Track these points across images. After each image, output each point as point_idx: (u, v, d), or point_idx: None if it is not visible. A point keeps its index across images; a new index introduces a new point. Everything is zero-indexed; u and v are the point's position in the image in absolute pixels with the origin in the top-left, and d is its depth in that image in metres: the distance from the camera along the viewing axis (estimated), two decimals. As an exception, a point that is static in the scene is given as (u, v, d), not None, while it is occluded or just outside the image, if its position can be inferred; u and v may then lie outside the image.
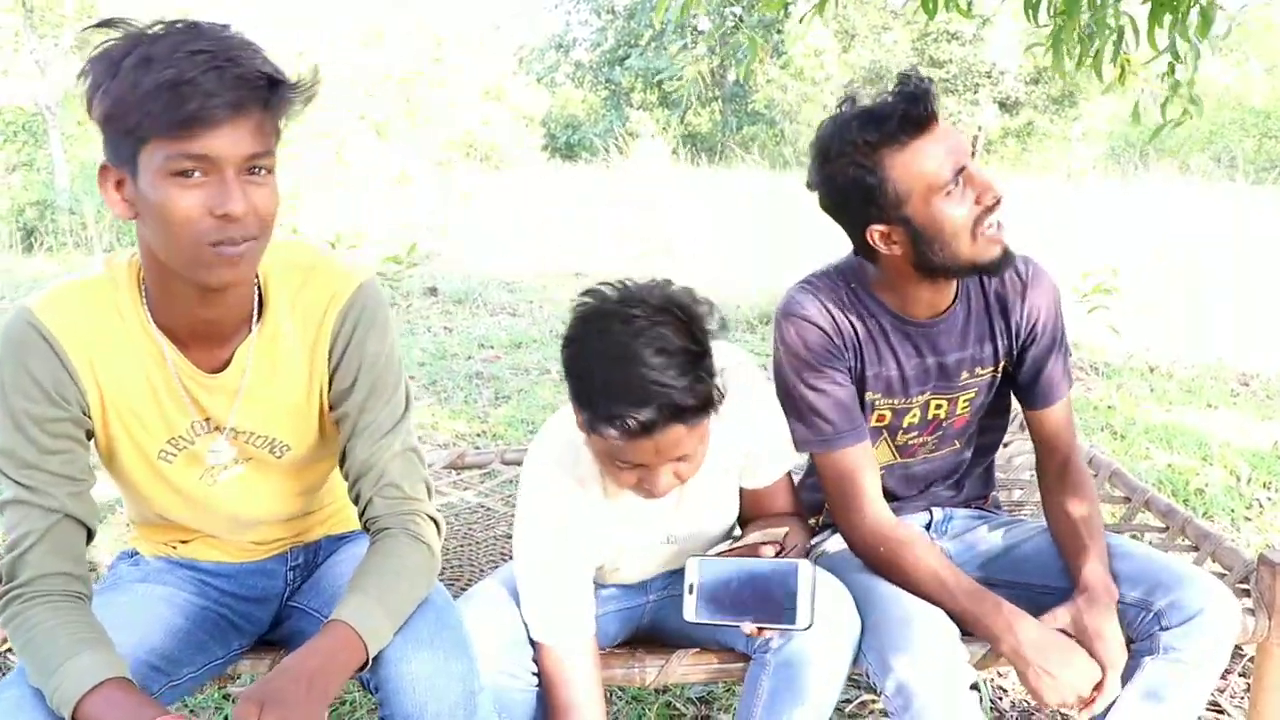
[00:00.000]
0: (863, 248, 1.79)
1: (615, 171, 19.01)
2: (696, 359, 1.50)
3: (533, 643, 1.71)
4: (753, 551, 1.69)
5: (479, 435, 4.51)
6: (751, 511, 1.91)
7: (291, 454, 1.62)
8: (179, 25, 1.26)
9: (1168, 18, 3.37)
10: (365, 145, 13.81)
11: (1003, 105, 22.89)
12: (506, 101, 20.88)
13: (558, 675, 1.69)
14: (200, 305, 1.45)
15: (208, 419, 1.54)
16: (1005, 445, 2.26)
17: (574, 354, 1.56)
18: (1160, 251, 9.87)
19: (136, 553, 1.76)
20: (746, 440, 1.80)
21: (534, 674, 1.72)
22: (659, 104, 27.61)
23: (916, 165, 1.65)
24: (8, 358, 1.41)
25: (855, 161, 1.68)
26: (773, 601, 1.61)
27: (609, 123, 26.73)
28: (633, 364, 1.46)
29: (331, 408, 1.61)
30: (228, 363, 1.52)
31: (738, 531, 1.97)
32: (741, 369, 1.74)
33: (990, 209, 1.68)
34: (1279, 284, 8.16)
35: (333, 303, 1.55)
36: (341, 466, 1.63)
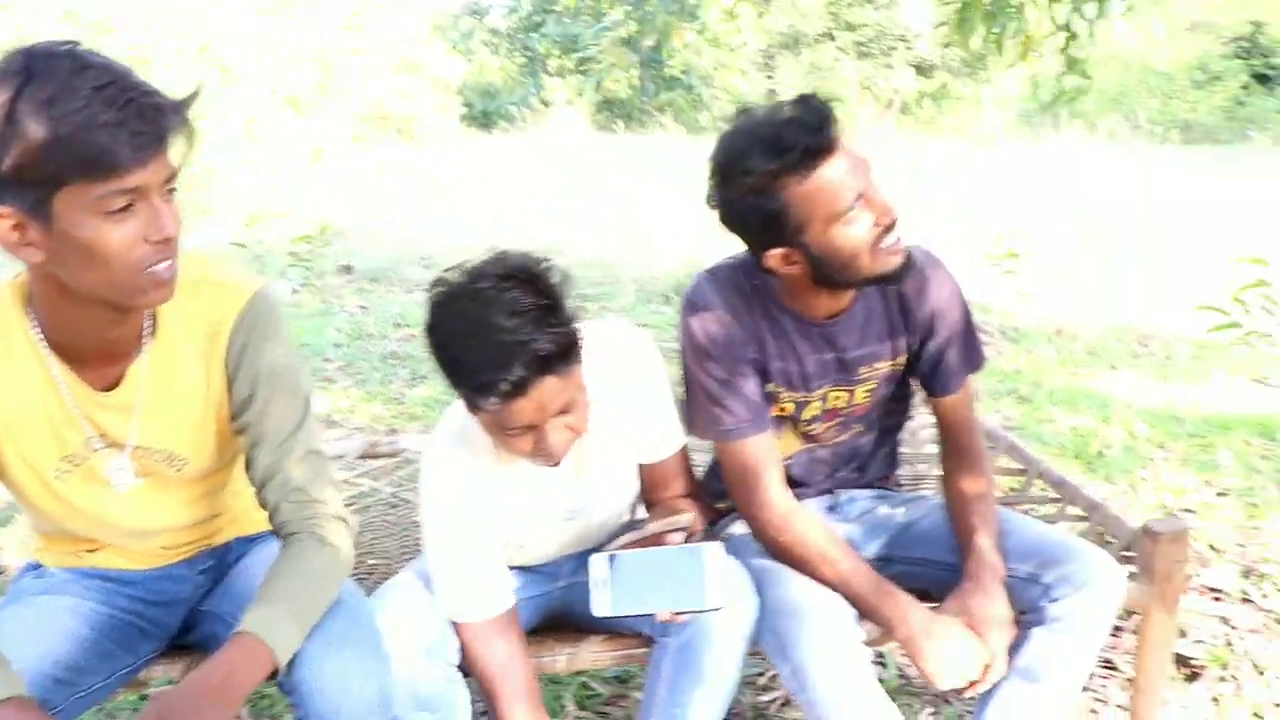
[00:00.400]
0: (762, 266, 1.80)
1: (532, 140, 18.91)
2: (549, 310, 1.54)
3: (454, 627, 1.73)
4: (656, 540, 1.72)
5: (395, 417, 4.48)
6: (650, 491, 1.95)
7: (190, 467, 1.62)
8: (60, 57, 1.24)
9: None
10: (277, 120, 13.53)
11: (918, 69, 23.13)
12: (423, 72, 20.59)
13: (483, 654, 1.71)
14: (109, 327, 1.44)
15: (103, 435, 1.53)
16: (910, 419, 2.31)
17: (436, 342, 1.59)
18: (1069, 214, 10.07)
19: (40, 565, 1.74)
20: (636, 411, 1.83)
21: (457, 665, 1.74)
22: (575, 70, 27.43)
23: (817, 194, 1.67)
24: None
25: (754, 189, 1.69)
26: (683, 586, 1.64)
27: (526, 90, 26.53)
28: (490, 331, 1.49)
29: (232, 418, 1.61)
30: (120, 380, 1.51)
31: (641, 512, 2.02)
32: (628, 342, 1.82)
33: (888, 229, 1.71)
34: (1180, 244, 8.39)
35: (226, 315, 1.55)
36: (247, 473, 1.64)
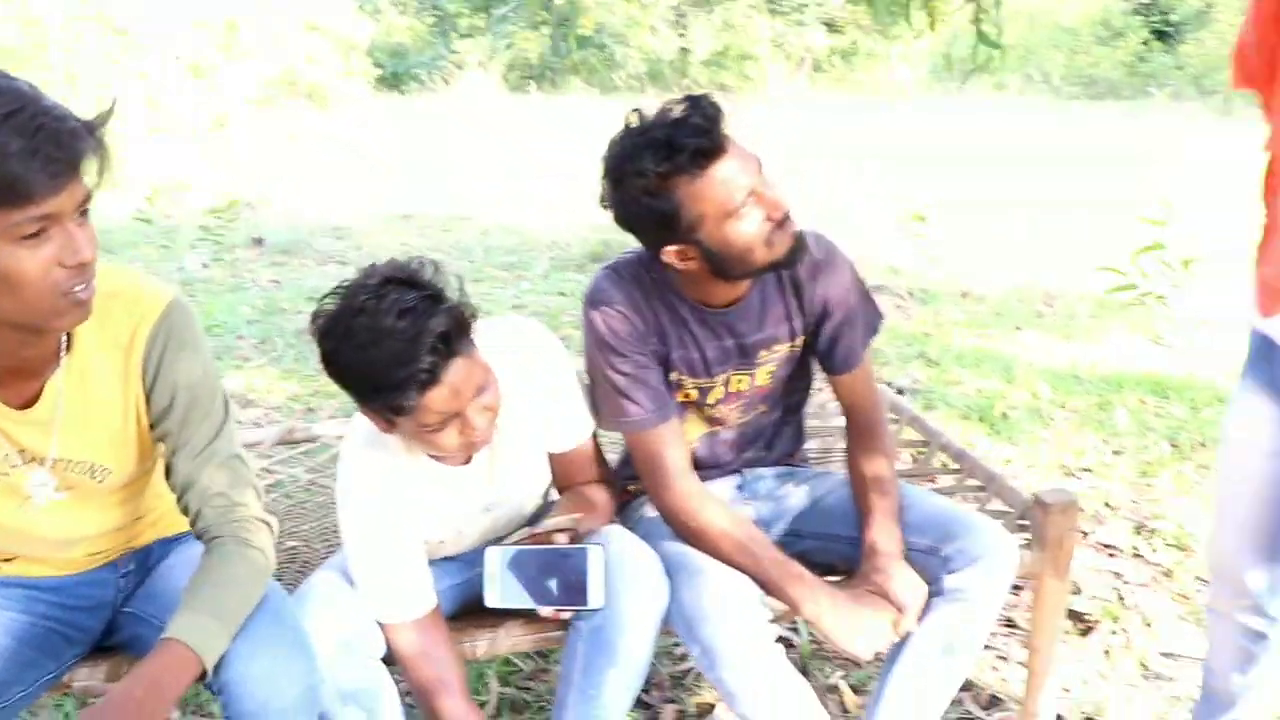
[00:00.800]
0: (659, 260, 1.85)
1: (444, 103, 18.69)
2: (433, 299, 1.58)
3: (379, 625, 1.76)
4: (548, 539, 1.77)
5: (312, 395, 4.46)
6: (562, 479, 2.01)
7: (112, 477, 1.63)
8: None
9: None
10: (179, 87, 13.19)
11: (829, 25, 23.23)
12: (329, 33, 20.14)
13: (413, 652, 1.74)
14: (24, 347, 1.44)
15: (22, 451, 1.53)
16: (818, 391, 2.38)
17: (338, 367, 1.61)
18: (978, 172, 10.27)
19: None
20: (543, 402, 1.89)
21: (381, 658, 1.77)
22: (486, 30, 27.08)
23: (709, 193, 1.71)
24: None
25: (648, 190, 1.72)
26: (568, 584, 1.72)
27: (436, 50, 26.14)
28: (386, 335, 1.53)
29: (151, 426, 1.62)
30: (37, 396, 1.51)
31: (554, 495, 2.07)
32: (530, 336, 1.88)
33: (780, 223, 1.76)
34: (1085, 202, 8.60)
35: (140, 326, 1.55)
36: (167, 480, 1.65)
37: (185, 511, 1.64)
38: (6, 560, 1.69)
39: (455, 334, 1.58)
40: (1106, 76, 23.04)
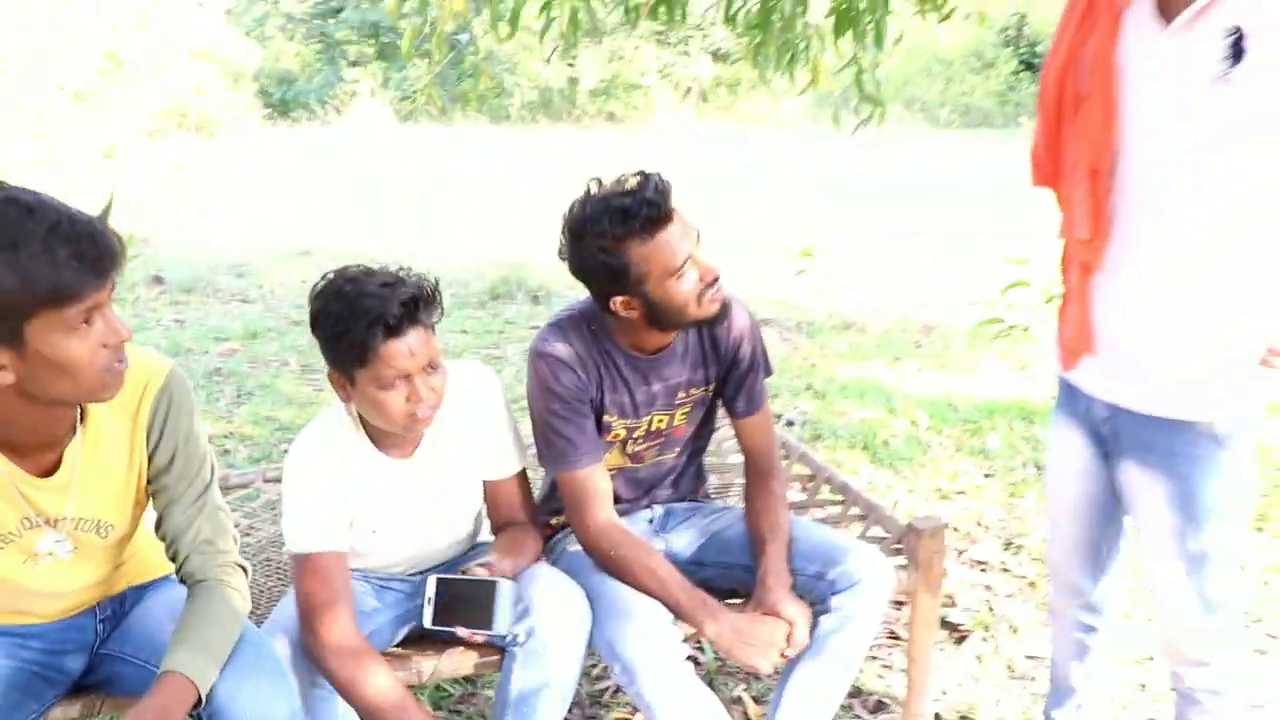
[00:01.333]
0: (605, 309, 2.14)
1: (335, 132, 18.70)
2: (416, 282, 1.94)
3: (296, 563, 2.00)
4: (472, 572, 2.04)
5: (226, 437, 4.58)
6: (494, 510, 2.27)
7: (115, 531, 1.81)
8: (6, 203, 1.43)
9: (850, 32, 3.83)
10: (66, 117, 13.02)
11: (715, 55, 23.75)
12: (216, 60, 19.89)
13: (316, 579, 1.97)
14: (54, 423, 1.64)
15: (39, 514, 1.71)
16: (716, 429, 2.64)
17: (325, 316, 1.92)
18: (862, 203, 10.72)
19: None
20: (479, 431, 2.17)
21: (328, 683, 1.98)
22: (376, 57, 27.02)
23: (654, 255, 2.01)
24: None
25: (603, 248, 2.02)
26: (481, 612, 1.98)
27: (325, 77, 26.01)
28: (368, 294, 1.87)
29: (149, 481, 1.81)
30: (57, 464, 1.70)
31: (485, 534, 2.33)
32: (476, 376, 2.20)
33: (711, 284, 2.07)
34: (961, 232, 9.06)
35: (146, 393, 1.75)
36: (159, 529, 1.84)
37: (174, 557, 1.83)
38: None
39: (423, 304, 1.92)
40: (980, 105, 24.01)
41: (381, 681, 1.91)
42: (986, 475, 4.09)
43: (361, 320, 1.86)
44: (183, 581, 1.84)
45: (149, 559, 2.00)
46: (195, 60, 18.15)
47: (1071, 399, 2.02)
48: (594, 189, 2.08)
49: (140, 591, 2.01)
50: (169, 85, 16.22)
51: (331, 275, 1.95)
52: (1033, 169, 1.98)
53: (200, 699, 1.64)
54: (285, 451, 2.76)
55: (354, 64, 26.70)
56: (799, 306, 6.70)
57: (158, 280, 7.55)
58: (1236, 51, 1.57)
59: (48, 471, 1.70)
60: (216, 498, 1.86)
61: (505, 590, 1.98)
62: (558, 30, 3.65)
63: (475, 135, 17.86)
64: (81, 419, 1.71)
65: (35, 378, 1.50)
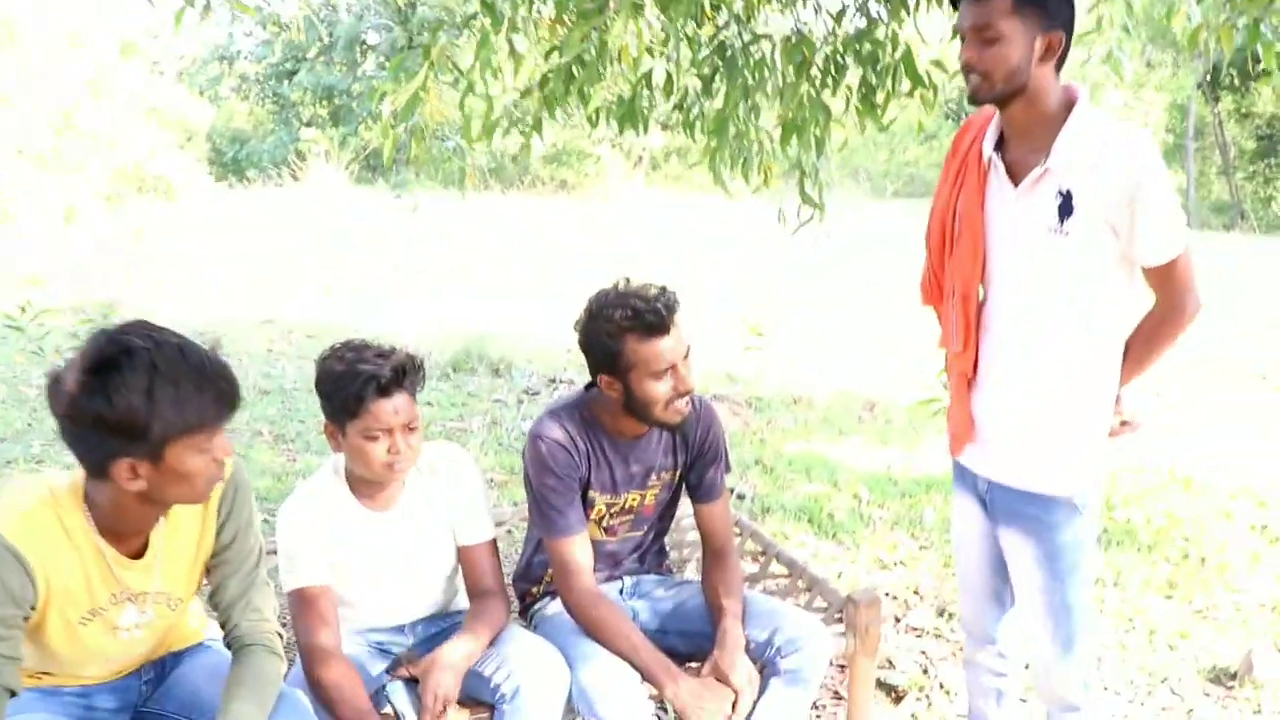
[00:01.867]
0: (594, 383, 2.50)
1: (290, 195, 18.91)
2: (406, 355, 2.34)
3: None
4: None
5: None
6: (468, 574, 2.57)
7: (182, 604, 2.11)
8: (164, 346, 1.71)
9: (795, 138, 4.20)
10: (23, 180, 13.16)
11: (664, 125, 24.29)
12: (170, 119, 19.96)
13: (310, 611, 2.31)
14: (154, 516, 1.96)
15: (125, 590, 1.99)
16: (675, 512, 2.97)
17: (328, 378, 2.31)
18: (807, 274, 11.12)
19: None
20: (453, 501, 2.51)
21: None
22: (330, 121, 27.29)
23: (645, 353, 2.37)
24: None
25: (608, 333, 2.38)
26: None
27: (279, 138, 26.22)
28: (366, 360, 2.28)
29: (211, 556, 2.11)
30: (144, 547, 1.99)
31: (462, 600, 2.65)
32: (455, 453, 2.58)
33: (681, 396, 2.42)
34: (903, 302, 9.48)
35: (215, 488, 2.04)
36: (213, 597, 2.13)
37: (225, 622, 2.12)
38: (49, 674, 2.12)
39: (410, 373, 2.32)
40: (924, 176, 24.81)
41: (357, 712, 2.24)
42: (922, 547, 4.44)
43: (358, 379, 2.25)
44: (229, 644, 2.13)
45: (186, 629, 2.29)
46: (150, 121, 18.29)
47: (962, 475, 2.45)
48: (621, 284, 2.46)
49: (178, 657, 2.29)
50: (122, 145, 16.34)
51: (337, 345, 2.35)
52: (921, 292, 2.48)
53: None
54: (265, 521, 3.05)
55: (307, 124, 26.96)
56: (748, 380, 7.06)
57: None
58: (1066, 208, 2.06)
59: (137, 554, 1.99)
60: (264, 573, 2.17)
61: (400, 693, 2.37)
62: (527, 139, 3.99)
63: (429, 199, 18.14)
64: (165, 511, 2.00)
65: (161, 486, 1.81)
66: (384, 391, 2.26)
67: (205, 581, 2.16)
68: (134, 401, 1.68)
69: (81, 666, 2.09)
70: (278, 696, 2.06)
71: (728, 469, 2.73)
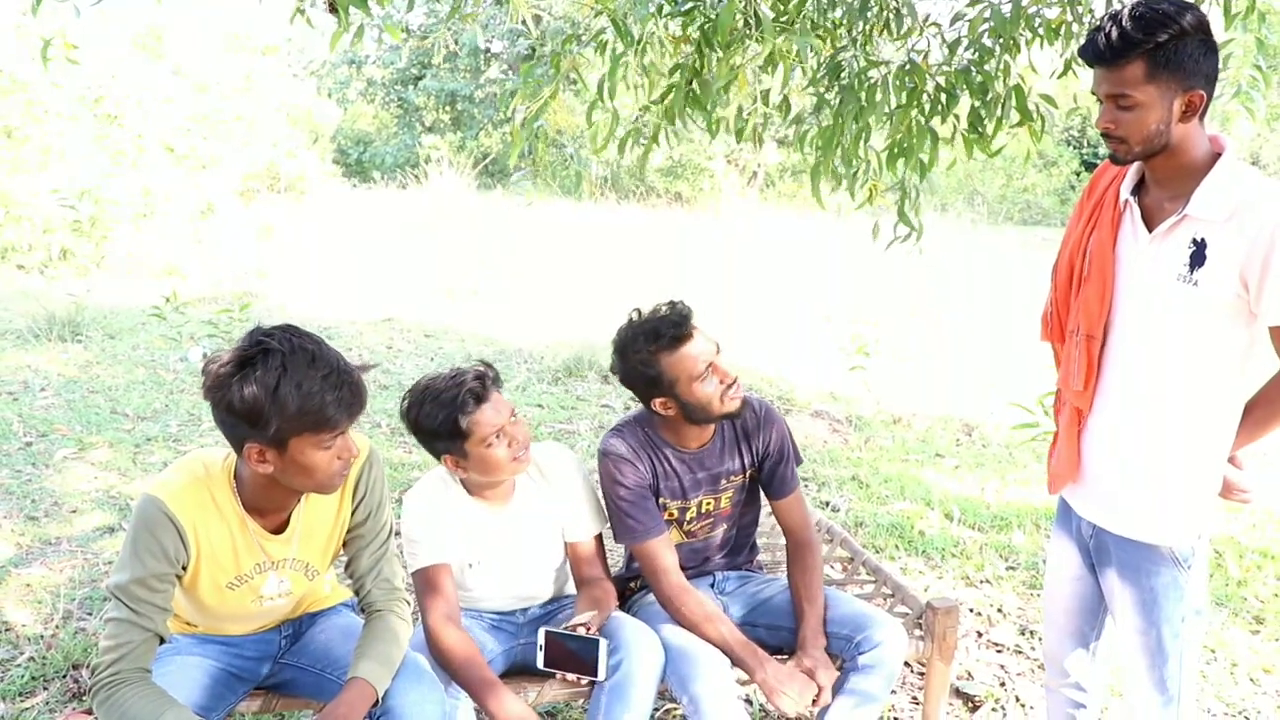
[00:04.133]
0: (650, 410, 2.72)
1: (413, 197, 19.47)
2: (474, 367, 2.56)
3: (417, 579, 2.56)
4: (574, 629, 2.54)
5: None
6: (576, 566, 2.80)
7: (319, 574, 2.38)
8: (297, 351, 1.95)
9: (901, 160, 4.33)
10: (166, 174, 13.80)
11: (781, 143, 24.42)
12: (299, 120, 20.65)
13: (433, 591, 2.51)
14: (291, 498, 2.22)
15: (269, 559, 2.27)
16: (769, 517, 3.14)
17: (422, 419, 2.52)
18: (918, 298, 11.15)
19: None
20: (559, 497, 2.74)
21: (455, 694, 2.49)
22: (451, 126, 27.95)
23: (680, 363, 2.60)
24: (143, 530, 2.09)
25: (642, 362, 2.61)
26: (584, 661, 2.51)
27: (402, 141, 26.95)
28: (447, 387, 2.50)
29: (348, 532, 2.37)
30: (286, 523, 2.27)
31: (570, 588, 2.87)
32: (562, 454, 2.81)
33: (730, 386, 2.63)
34: (1012, 330, 9.48)
35: (352, 470, 2.31)
36: (348, 567, 2.40)
37: (359, 589, 2.38)
38: (189, 625, 2.40)
39: (485, 380, 2.53)
40: (1040, 203, 24.48)
41: (474, 668, 2.44)
42: (1010, 568, 4.53)
43: (453, 407, 2.46)
44: (362, 609, 2.39)
45: (322, 593, 2.58)
46: (286, 122, 19.02)
47: (1066, 516, 2.49)
48: (634, 317, 2.67)
49: (314, 617, 2.58)
50: (257, 143, 17.05)
51: (407, 398, 2.55)
52: (1042, 327, 2.50)
53: (377, 701, 2.17)
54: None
55: (429, 129, 27.68)
56: (850, 399, 7.18)
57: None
58: (1199, 258, 2.06)
59: (279, 529, 2.27)
60: (393, 546, 2.42)
61: (604, 648, 2.49)
62: (647, 150, 4.18)
63: (547, 206, 18.53)
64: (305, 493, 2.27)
65: (286, 473, 2.07)
66: (480, 399, 2.48)
67: (341, 554, 2.42)
68: (260, 395, 1.93)
69: (228, 624, 2.39)
70: (402, 658, 2.30)
71: (798, 461, 2.92)
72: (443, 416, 2.46)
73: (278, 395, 1.93)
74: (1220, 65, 3.71)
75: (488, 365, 2.59)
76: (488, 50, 28.01)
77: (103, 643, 2.09)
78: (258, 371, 1.94)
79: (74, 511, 4.76)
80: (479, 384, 2.48)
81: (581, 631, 2.52)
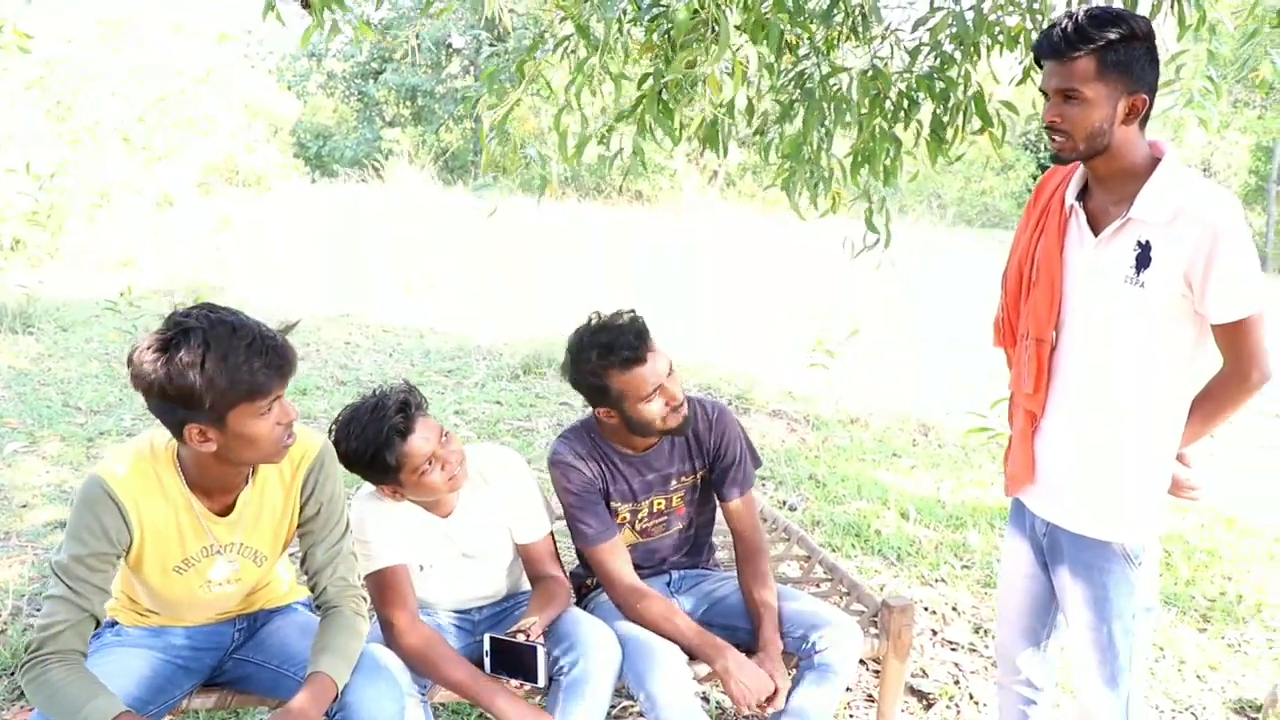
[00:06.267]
0: (595, 415, 2.75)
1: (373, 192, 19.34)
2: (395, 390, 2.53)
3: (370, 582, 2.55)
4: (516, 635, 2.53)
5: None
6: (529, 566, 2.80)
7: (267, 562, 2.37)
8: (218, 324, 1.94)
9: (865, 168, 4.37)
10: (127, 166, 13.64)
11: (742, 143, 24.47)
12: (257, 112, 20.43)
13: (387, 589, 2.51)
14: (236, 476, 2.21)
15: (215, 542, 2.26)
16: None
17: (354, 443, 2.47)
18: (873, 295, 11.23)
19: (117, 622, 2.42)
20: (504, 499, 2.73)
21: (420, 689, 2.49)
22: (412, 120, 27.83)
23: (630, 382, 2.60)
24: (85, 509, 2.09)
25: (592, 372, 2.62)
26: (526, 669, 2.50)
27: (362, 135, 26.79)
28: (377, 415, 2.45)
29: (299, 526, 2.36)
30: (232, 506, 2.25)
31: (526, 584, 2.87)
32: (504, 456, 2.79)
33: (676, 408, 2.65)
34: (965, 332, 9.58)
35: (303, 460, 2.31)
36: (303, 563, 2.38)
37: (314, 586, 2.37)
38: (155, 614, 2.39)
39: (408, 409, 2.48)
40: (998, 205, 24.74)
41: (454, 664, 2.45)
42: (964, 567, 4.59)
43: (378, 444, 2.43)
44: (318, 606, 2.38)
45: (278, 590, 2.58)
46: (246, 115, 18.82)
47: (1020, 515, 2.53)
48: (593, 320, 2.68)
49: (271, 614, 2.57)
50: (216, 139, 16.85)
51: (335, 426, 2.51)
52: (994, 333, 2.54)
53: (337, 696, 2.17)
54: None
55: (390, 124, 27.52)
56: (808, 399, 7.23)
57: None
58: (1144, 260, 2.11)
59: (225, 511, 2.26)
60: (349, 544, 2.41)
61: (542, 654, 2.49)
62: (620, 162, 4.19)
63: (509, 204, 18.41)
64: (253, 473, 2.27)
65: (230, 448, 2.07)
66: (405, 434, 2.45)
67: (296, 550, 2.41)
68: (189, 374, 1.93)
69: (180, 610, 2.37)
70: (360, 652, 2.30)
71: (756, 464, 2.94)
72: (371, 454, 2.45)
73: (205, 371, 1.93)
74: (1173, 75, 3.78)
75: (410, 389, 2.56)
76: (449, 45, 27.89)
77: (39, 620, 2.09)
78: (181, 352, 1.93)
79: (24, 506, 4.71)
80: (402, 417, 2.45)
81: (522, 638, 2.52)
